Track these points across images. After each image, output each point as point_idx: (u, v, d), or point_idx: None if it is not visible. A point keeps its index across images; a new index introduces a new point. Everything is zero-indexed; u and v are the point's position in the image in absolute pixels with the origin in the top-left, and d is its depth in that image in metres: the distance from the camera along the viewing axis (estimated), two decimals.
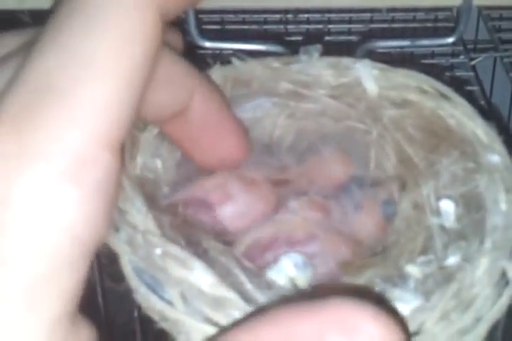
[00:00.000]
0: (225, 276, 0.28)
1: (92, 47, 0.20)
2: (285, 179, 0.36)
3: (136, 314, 0.59)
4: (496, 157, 0.33)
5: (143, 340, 0.59)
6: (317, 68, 0.38)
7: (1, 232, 0.20)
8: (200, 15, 0.64)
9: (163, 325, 0.28)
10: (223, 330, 0.23)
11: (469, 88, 0.59)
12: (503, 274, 0.29)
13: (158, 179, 0.34)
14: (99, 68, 0.20)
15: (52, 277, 0.21)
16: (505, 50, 0.63)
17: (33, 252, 0.20)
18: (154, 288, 0.28)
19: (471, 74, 0.61)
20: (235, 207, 0.34)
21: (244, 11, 0.68)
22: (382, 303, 0.22)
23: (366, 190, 0.36)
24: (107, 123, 0.21)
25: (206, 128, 0.31)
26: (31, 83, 0.20)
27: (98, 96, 0.20)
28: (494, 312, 0.28)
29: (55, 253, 0.20)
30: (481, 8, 0.68)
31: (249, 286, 0.29)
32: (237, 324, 0.23)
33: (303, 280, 0.32)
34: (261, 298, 0.29)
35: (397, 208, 0.36)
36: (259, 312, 0.22)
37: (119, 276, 0.31)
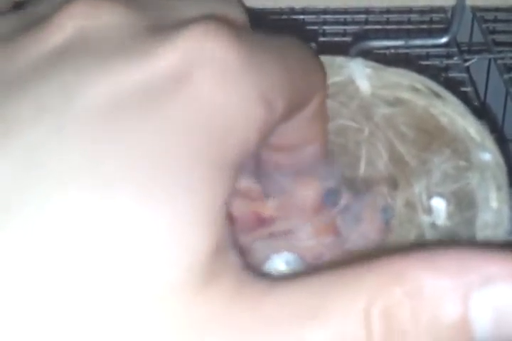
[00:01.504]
0: None
1: None
2: (270, 216, 0.35)
3: None
4: (487, 155, 0.33)
5: None
6: None
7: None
8: None
9: None
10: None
11: (463, 89, 0.59)
12: None
13: None
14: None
15: (219, 172, 0.21)
16: (499, 52, 0.63)
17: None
18: None
19: (465, 75, 0.61)
20: None
21: None
22: None
23: (363, 200, 0.35)
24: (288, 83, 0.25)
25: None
26: None
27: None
28: None
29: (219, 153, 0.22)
30: (475, 10, 0.68)
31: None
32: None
33: None
34: None
35: (394, 211, 0.36)
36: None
37: None
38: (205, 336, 0.20)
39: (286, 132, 0.31)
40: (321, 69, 0.30)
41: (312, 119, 0.31)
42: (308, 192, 0.35)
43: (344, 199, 0.35)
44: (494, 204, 0.31)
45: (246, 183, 0.35)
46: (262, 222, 0.35)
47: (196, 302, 0.20)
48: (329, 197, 0.34)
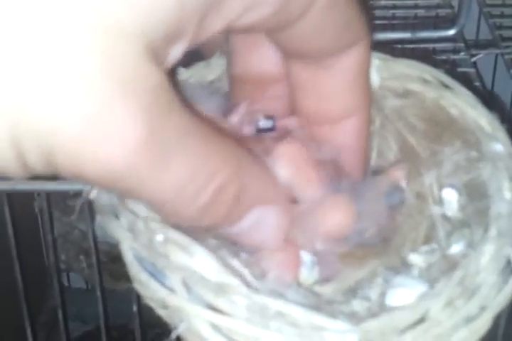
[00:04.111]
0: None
1: None
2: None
3: (135, 313, 0.58)
4: (499, 145, 0.33)
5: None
6: None
7: None
8: None
9: (163, 313, 0.28)
10: None
11: (470, 84, 0.59)
12: (509, 262, 0.29)
13: None
14: None
15: None
16: (506, 47, 0.63)
17: None
18: (155, 276, 0.28)
19: (472, 70, 0.60)
20: None
21: None
22: None
23: (368, 181, 0.35)
24: None
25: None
26: None
27: None
28: (500, 300, 0.28)
29: None
30: (482, 6, 0.68)
31: (249, 277, 0.28)
32: None
33: (308, 278, 0.32)
34: (261, 287, 0.28)
35: (403, 195, 0.35)
36: None
37: (119, 275, 0.30)
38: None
39: (329, 91, 0.30)
40: (362, 18, 0.29)
41: (354, 77, 0.30)
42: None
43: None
44: (507, 194, 0.31)
45: None
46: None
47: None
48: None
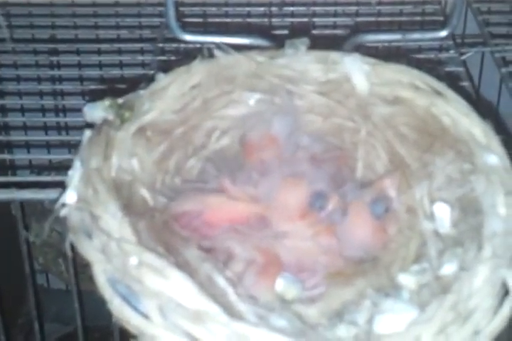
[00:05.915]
0: (207, 286, 0.26)
1: None
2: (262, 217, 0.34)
3: (114, 324, 0.57)
4: (493, 157, 0.31)
5: None
6: (304, 63, 0.36)
7: None
8: (181, 8, 0.62)
9: (141, 339, 0.26)
10: None
11: (459, 83, 0.57)
12: (504, 284, 0.27)
13: (135, 180, 0.32)
14: None
15: None
16: (496, 45, 0.61)
17: None
18: (130, 300, 0.26)
19: (461, 69, 0.58)
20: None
21: (227, 4, 0.66)
22: None
23: (351, 193, 0.34)
24: None
25: None
26: None
27: None
28: (494, 325, 0.26)
29: None
30: (470, 2, 0.66)
31: (233, 297, 0.27)
32: None
33: (291, 294, 0.31)
34: (245, 308, 0.27)
35: (389, 204, 0.33)
36: None
37: None
38: None
39: None
40: None
41: None
42: (294, 195, 0.33)
43: (332, 203, 0.33)
44: (502, 210, 0.29)
45: (237, 186, 0.33)
46: (258, 222, 0.33)
47: None
48: (317, 201, 0.33)
